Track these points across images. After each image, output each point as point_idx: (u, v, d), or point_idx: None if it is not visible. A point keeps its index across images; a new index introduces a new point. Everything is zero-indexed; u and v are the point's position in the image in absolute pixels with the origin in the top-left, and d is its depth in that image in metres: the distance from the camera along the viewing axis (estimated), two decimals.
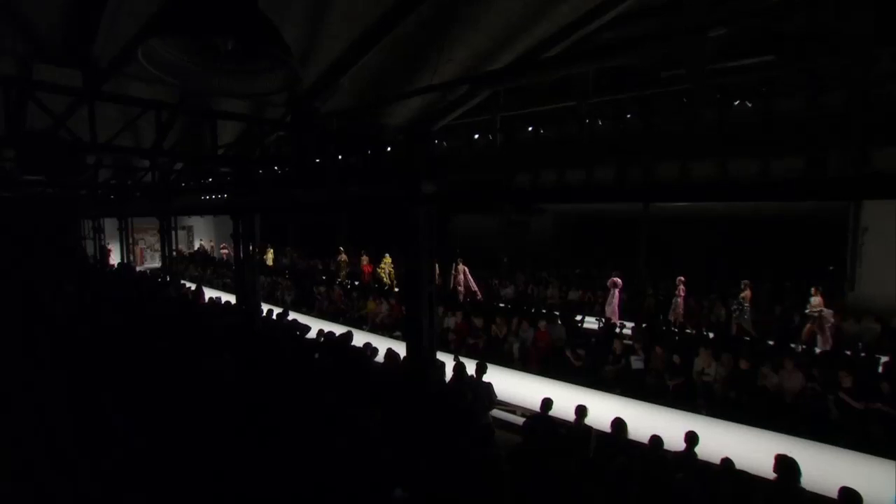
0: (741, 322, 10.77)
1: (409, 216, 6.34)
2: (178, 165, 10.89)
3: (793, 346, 9.13)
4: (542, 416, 5.76)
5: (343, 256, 17.72)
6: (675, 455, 5.25)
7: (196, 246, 24.32)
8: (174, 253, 22.78)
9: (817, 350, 9.16)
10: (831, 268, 12.65)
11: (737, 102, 5.82)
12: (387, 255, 16.19)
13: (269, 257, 19.93)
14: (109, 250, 17.76)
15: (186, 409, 5.28)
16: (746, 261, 13.64)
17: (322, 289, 14.38)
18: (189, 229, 24.28)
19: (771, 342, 9.34)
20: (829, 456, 5.98)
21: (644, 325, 10.86)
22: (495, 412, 7.80)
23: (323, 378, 5.85)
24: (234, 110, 6.06)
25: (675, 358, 7.88)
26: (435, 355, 6.92)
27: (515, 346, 10.13)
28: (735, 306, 11.05)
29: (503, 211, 17.28)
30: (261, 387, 5.76)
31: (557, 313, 11.95)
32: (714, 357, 7.78)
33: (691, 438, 5.14)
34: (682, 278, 11.81)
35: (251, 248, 9.62)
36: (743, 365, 7.50)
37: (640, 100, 6.20)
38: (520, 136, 6.99)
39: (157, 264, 20.99)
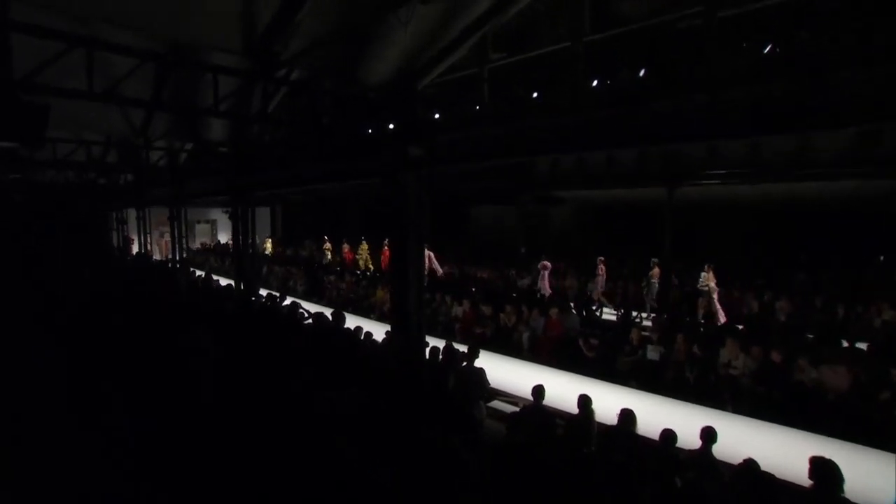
0: (648, 299, 11.52)
1: (396, 184, 5.71)
2: (188, 146, 10.63)
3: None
4: (532, 407, 5.01)
5: (328, 245, 18.55)
6: (689, 453, 4.43)
7: (218, 240, 24.55)
8: (200, 246, 23.12)
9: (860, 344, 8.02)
10: (881, 257, 11.30)
11: (767, 49, 4.93)
12: (363, 241, 16.81)
13: (268, 247, 21.05)
14: (132, 240, 17.93)
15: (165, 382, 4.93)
16: (782, 249, 12.41)
17: (332, 277, 13.98)
18: (213, 223, 24.42)
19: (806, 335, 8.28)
20: (880, 462, 4.98)
21: (665, 316, 9.92)
22: (496, 403, 7.15)
23: (297, 356, 5.29)
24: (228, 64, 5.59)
25: (695, 348, 6.94)
26: (423, 338, 6.26)
27: (525, 336, 9.37)
28: (644, 283, 11.74)
29: (521, 201, 16.50)
30: (238, 362, 5.31)
31: (572, 303, 11.12)
32: (742, 348, 6.83)
33: (708, 435, 4.30)
34: (603, 258, 12.40)
35: (250, 236, 9.21)
36: (775, 357, 6.51)
37: (650, 51, 5.34)
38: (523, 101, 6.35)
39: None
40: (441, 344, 7.36)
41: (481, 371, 5.79)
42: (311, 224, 22.20)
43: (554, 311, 9.35)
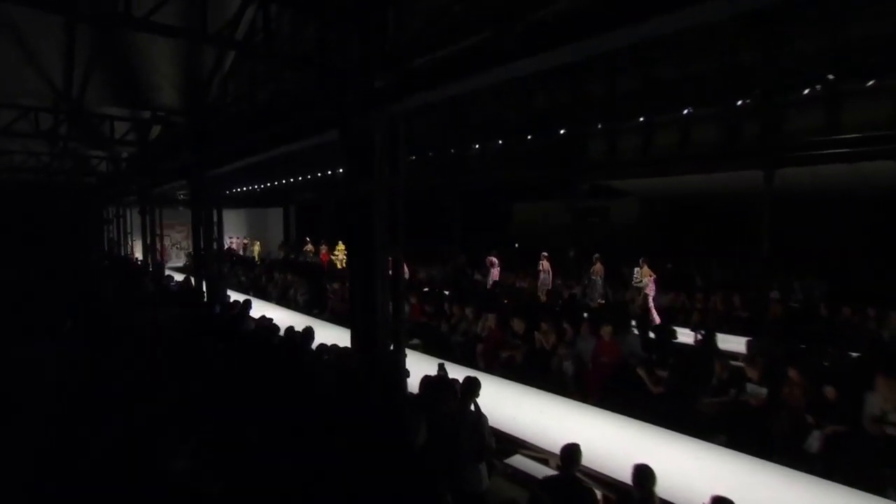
0: (596, 296, 11.42)
1: (353, 134, 4.24)
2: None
3: None
4: (558, 480, 3.34)
5: (309, 247, 19.63)
6: None
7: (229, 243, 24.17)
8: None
9: None
10: None
11: None
12: (340, 242, 17.35)
13: (256, 250, 21.98)
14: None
15: None
16: None
17: (335, 285, 12.72)
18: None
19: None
20: None
21: (765, 339, 7.85)
22: (517, 459, 5.50)
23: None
24: None
25: (828, 390, 4.94)
26: (399, 355, 4.67)
27: (567, 363, 7.63)
28: (586, 281, 11.74)
29: (572, 194, 14.79)
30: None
31: (634, 322, 9.22)
32: None
33: None
34: (546, 253, 12.35)
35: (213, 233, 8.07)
36: None
37: None
38: None
39: (181, 262, 20.72)
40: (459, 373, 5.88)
41: (479, 418, 4.13)
42: (329, 227, 21.34)
43: (607, 330, 7.57)
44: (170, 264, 20.86)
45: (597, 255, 11.68)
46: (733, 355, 7.67)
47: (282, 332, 7.20)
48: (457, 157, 14.72)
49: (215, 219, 8.09)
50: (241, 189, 20.50)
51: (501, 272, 13.86)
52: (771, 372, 5.93)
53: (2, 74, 6.46)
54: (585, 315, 9.72)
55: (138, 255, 18.03)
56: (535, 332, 8.38)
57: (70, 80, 6.48)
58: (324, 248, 18.58)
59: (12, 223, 14.42)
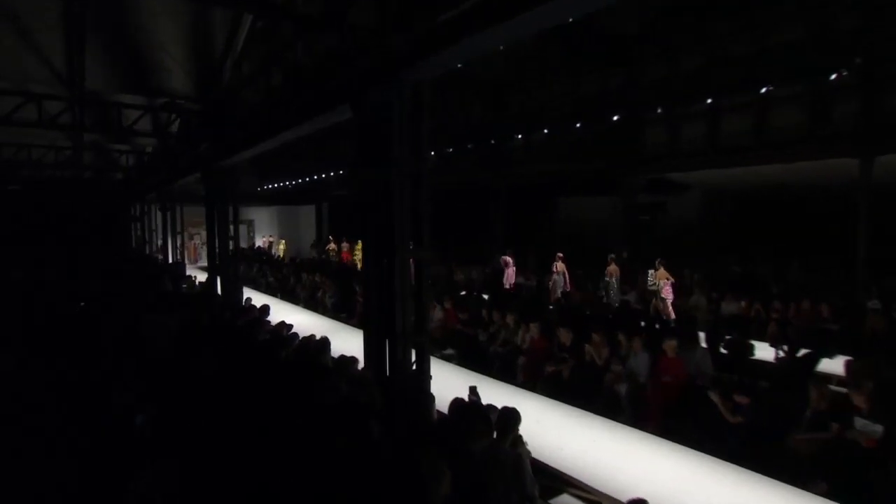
0: (612, 300, 11.09)
1: (369, 103, 3.65)
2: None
3: None
4: None
5: (332, 245, 19.77)
6: None
7: (253, 242, 24.60)
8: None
9: None
10: None
11: None
12: (359, 241, 16.63)
13: (281, 249, 22.02)
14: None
15: None
16: None
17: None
18: (250, 223, 24.02)
19: None
20: None
21: (871, 360, 6.80)
22: (563, 501, 4.84)
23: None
24: None
25: None
26: (422, 377, 4.05)
27: (622, 383, 6.85)
28: (601, 284, 11.48)
29: (626, 189, 13.89)
30: None
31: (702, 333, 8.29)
32: None
33: None
34: (561, 254, 11.90)
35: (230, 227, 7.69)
36: None
37: None
38: None
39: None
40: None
41: (518, 460, 3.43)
42: (356, 224, 21.13)
43: (670, 345, 6.76)
44: (200, 263, 21.05)
45: (611, 256, 11.43)
46: (826, 377, 6.72)
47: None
48: (498, 149, 14.07)
49: (231, 215, 7.74)
50: (273, 185, 20.55)
51: (518, 272, 13.82)
52: (883, 402, 4.98)
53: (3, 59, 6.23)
54: (643, 324, 8.98)
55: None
56: (585, 345, 7.65)
57: (72, 62, 6.19)
58: (345, 247, 18.53)
59: (33, 220, 14.74)
